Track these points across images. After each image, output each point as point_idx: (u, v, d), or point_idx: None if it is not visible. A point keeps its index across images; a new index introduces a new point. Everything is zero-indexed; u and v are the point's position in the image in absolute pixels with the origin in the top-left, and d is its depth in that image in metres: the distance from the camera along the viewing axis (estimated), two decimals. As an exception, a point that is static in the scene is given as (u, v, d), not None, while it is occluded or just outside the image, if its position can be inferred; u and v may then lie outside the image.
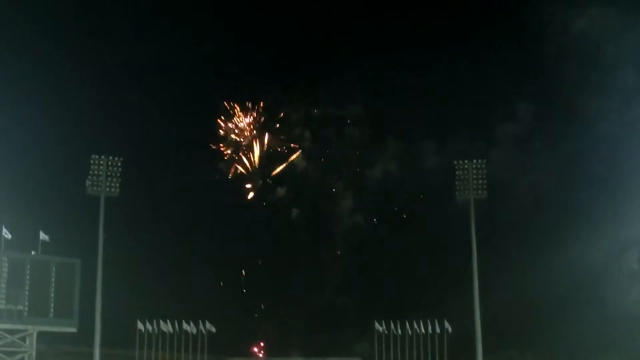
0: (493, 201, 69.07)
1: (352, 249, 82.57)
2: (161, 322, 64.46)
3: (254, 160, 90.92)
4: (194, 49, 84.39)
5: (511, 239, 72.19)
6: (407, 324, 63.99)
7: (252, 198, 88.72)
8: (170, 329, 64.57)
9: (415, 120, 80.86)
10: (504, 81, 78.27)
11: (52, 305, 63.07)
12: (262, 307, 76.26)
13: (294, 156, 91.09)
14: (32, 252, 63.68)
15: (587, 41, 73.78)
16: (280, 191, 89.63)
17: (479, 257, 66.74)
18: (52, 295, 63.12)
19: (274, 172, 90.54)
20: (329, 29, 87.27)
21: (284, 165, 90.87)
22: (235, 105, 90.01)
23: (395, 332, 64.42)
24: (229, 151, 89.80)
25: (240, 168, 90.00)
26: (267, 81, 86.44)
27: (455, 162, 66.69)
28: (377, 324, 64.70)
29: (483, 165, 65.76)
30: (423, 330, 63.62)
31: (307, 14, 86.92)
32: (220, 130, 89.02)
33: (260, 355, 77.57)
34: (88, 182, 66.70)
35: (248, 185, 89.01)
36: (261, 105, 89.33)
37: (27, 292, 61.92)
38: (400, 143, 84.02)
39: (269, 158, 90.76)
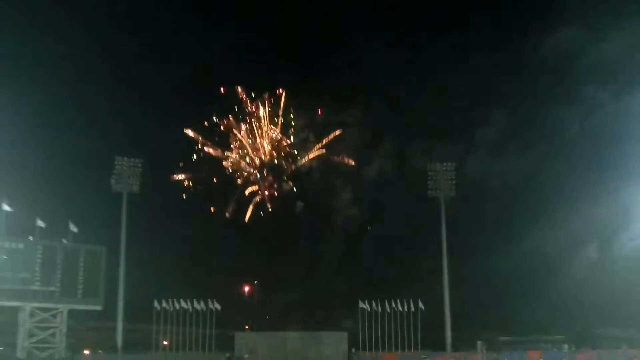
0: (463, 198, 73.15)
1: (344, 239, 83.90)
2: (175, 301, 67.76)
3: (265, 156, 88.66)
4: (202, 59, 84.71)
5: (477, 231, 74.93)
6: (387, 303, 68.17)
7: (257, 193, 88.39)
8: (184, 307, 67.88)
9: (400, 128, 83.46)
10: (478, 92, 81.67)
11: (81, 286, 67.46)
12: (265, 288, 78.47)
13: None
14: (63, 241, 67.46)
15: (554, 58, 76.44)
16: (287, 187, 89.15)
17: (449, 247, 71.47)
18: (81, 278, 67.47)
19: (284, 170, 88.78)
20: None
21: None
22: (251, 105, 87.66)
23: (376, 310, 68.47)
24: (234, 154, 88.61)
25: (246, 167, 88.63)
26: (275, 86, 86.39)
27: (427, 164, 71.70)
28: (361, 303, 68.59)
29: (452, 168, 71.02)
30: (400, 309, 67.99)
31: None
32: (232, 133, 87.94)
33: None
34: (112, 180, 71.26)
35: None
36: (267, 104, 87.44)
37: (58, 275, 66.46)
38: (388, 147, 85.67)
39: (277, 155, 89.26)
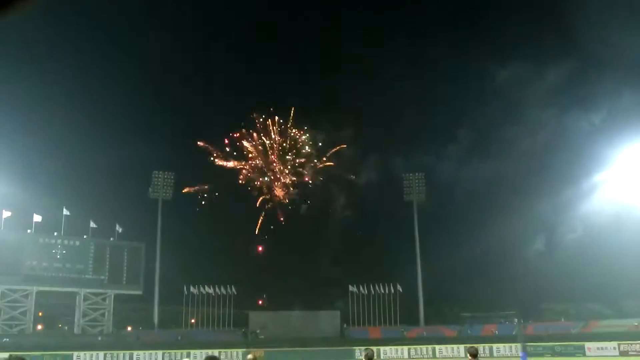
0: (433, 201, 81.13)
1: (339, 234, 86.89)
2: (201, 287, 75.68)
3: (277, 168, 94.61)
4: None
5: (445, 226, 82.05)
6: (371, 286, 76.22)
7: (269, 199, 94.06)
8: (208, 291, 75.59)
9: (383, 143, 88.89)
10: (445, 112, 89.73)
11: (125, 275, 75.94)
12: (273, 275, 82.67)
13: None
14: (111, 239, 76.37)
15: (511, 84, 78.31)
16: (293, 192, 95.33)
17: (421, 239, 79.61)
18: (125, 268, 75.91)
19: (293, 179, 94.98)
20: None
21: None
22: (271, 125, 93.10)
23: (364, 292, 76.66)
24: (247, 167, 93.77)
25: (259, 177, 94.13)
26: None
27: (403, 174, 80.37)
28: (350, 287, 76.66)
29: (422, 177, 79.56)
30: (382, 291, 75.98)
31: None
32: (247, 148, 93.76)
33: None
34: (150, 190, 79.35)
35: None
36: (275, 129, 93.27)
37: (107, 267, 74.79)
38: (373, 158, 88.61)
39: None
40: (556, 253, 73.17)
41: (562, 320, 73.97)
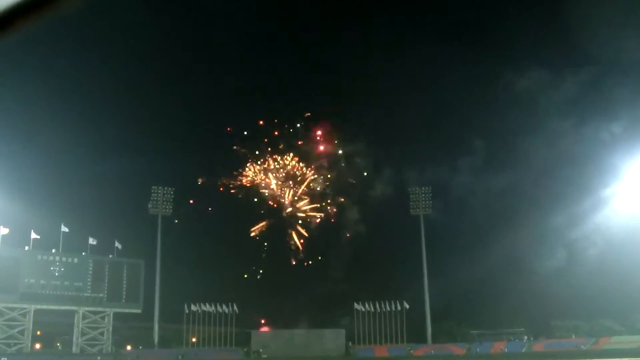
0: (440, 215, 79.72)
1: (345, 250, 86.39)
2: (202, 305, 74.14)
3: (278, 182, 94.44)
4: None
5: (453, 242, 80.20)
6: (377, 304, 74.58)
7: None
8: (209, 309, 74.13)
9: (390, 156, 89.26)
10: (451, 127, 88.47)
11: (124, 293, 73.99)
12: (277, 293, 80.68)
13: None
14: (110, 256, 74.73)
15: (524, 95, 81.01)
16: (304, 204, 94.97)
17: (429, 255, 77.95)
18: (124, 286, 73.99)
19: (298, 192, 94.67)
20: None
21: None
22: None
23: (369, 309, 74.85)
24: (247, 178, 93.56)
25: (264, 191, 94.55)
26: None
27: (409, 188, 79.13)
28: (356, 304, 75.02)
29: (429, 191, 77.92)
30: (388, 308, 74.34)
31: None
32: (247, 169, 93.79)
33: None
34: (150, 205, 78.04)
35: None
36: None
37: (106, 284, 72.86)
38: (380, 172, 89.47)
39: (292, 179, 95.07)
40: (567, 269, 72.23)
41: (573, 337, 72.94)
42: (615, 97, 71.94)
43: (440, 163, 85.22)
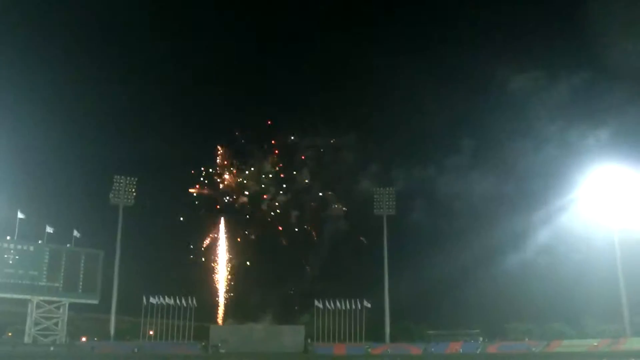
0: (402, 216, 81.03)
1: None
2: (160, 297, 73.31)
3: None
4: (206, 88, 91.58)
5: (414, 243, 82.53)
6: (338, 302, 75.19)
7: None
8: (168, 302, 73.48)
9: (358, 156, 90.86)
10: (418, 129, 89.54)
11: (81, 283, 73.04)
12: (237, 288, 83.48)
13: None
14: (67, 245, 73.38)
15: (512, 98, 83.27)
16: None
17: (391, 256, 78.30)
18: (81, 276, 73.06)
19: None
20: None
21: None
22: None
23: (329, 307, 75.34)
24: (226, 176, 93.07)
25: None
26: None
27: (373, 189, 79.56)
28: (316, 302, 75.43)
29: (392, 191, 78.55)
30: (349, 306, 74.91)
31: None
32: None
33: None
34: (111, 195, 76.52)
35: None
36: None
37: (62, 273, 71.94)
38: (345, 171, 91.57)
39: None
40: (522, 274, 74.47)
41: (526, 339, 74.90)
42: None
43: (405, 164, 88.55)
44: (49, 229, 72.70)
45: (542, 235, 76.01)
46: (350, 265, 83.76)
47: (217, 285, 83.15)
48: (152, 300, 73.97)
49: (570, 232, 71.81)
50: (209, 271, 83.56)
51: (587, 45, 74.92)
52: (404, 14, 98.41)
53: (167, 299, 74.76)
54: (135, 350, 69.82)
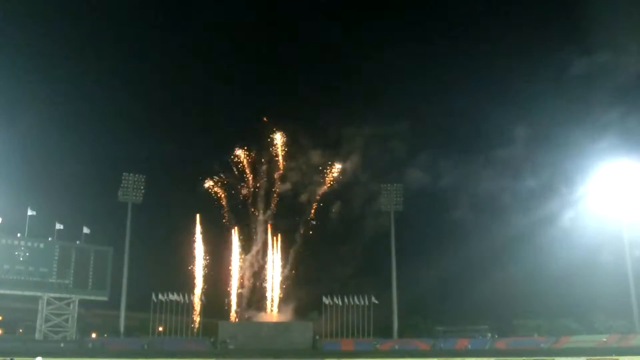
0: (411, 213, 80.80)
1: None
2: (169, 294, 73.74)
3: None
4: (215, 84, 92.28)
5: (422, 240, 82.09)
6: (345, 298, 75.64)
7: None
8: (177, 299, 73.95)
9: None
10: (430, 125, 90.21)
11: (91, 280, 74.25)
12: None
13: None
14: (77, 242, 74.45)
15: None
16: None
17: (399, 252, 78.45)
18: (91, 273, 74.29)
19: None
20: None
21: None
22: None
23: (337, 303, 75.70)
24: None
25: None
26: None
27: (381, 185, 79.29)
28: (324, 298, 75.89)
29: (400, 188, 78.65)
30: (356, 302, 75.17)
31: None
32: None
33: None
34: (120, 192, 77.12)
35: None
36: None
37: (72, 271, 73.08)
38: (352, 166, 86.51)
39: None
40: (531, 271, 74.69)
41: (535, 335, 75.03)
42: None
43: (414, 161, 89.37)
44: (59, 226, 73.63)
45: (551, 232, 76.35)
46: (356, 261, 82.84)
47: (230, 282, 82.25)
48: (161, 297, 74.50)
49: (579, 228, 71.69)
50: (220, 267, 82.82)
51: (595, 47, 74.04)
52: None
53: (176, 296, 75.25)
54: (145, 346, 70.53)
